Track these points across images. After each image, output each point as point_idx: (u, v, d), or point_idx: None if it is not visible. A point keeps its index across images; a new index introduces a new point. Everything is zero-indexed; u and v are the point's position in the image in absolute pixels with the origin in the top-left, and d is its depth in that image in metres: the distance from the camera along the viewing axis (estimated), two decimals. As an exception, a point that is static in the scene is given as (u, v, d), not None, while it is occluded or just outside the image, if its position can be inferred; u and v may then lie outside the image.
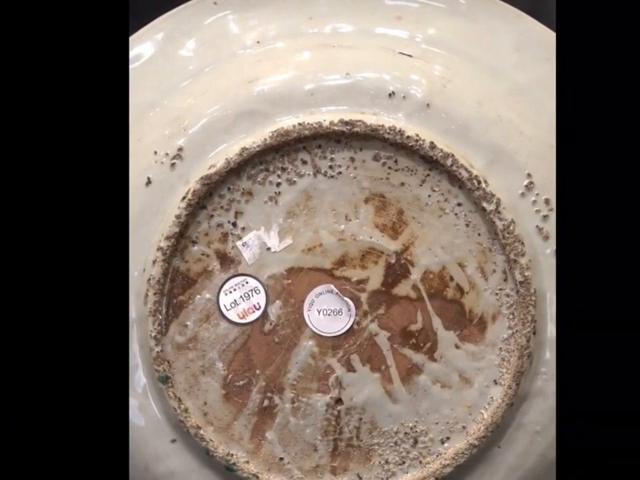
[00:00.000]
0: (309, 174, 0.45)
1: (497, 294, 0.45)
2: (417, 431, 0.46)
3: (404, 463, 0.46)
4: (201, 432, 0.45)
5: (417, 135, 0.44)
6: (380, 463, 0.46)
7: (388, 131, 0.44)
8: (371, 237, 0.45)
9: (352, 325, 0.46)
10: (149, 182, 0.45)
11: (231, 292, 0.45)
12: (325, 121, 0.44)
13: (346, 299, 0.46)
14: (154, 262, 0.45)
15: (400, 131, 0.44)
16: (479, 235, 0.45)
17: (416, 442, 0.46)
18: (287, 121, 0.45)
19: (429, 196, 0.45)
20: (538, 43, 0.48)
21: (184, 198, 0.44)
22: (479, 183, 0.44)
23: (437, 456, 0.46)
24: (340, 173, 0.45)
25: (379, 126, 0.44)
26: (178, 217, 0.44)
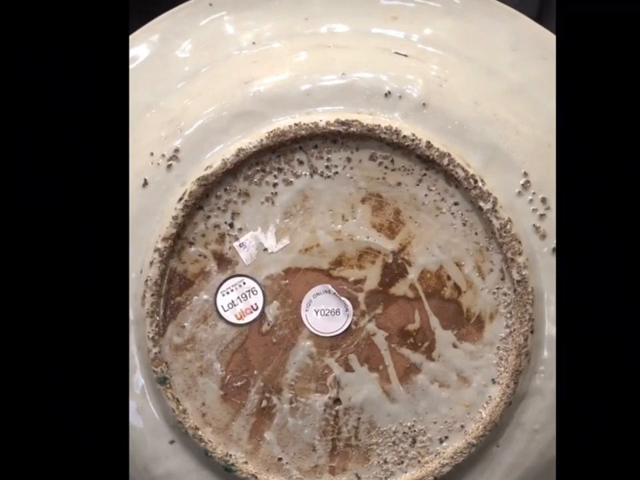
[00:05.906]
0: (305, 174, 0.45)
1: (494, 293, 0.45)
2: (415, 431, 0.46)
3: (402, 462, 0.46)
4: (200, 433, 0.45)
5: (413, 135, 0.44)
6: (378, 462, 0.46)
7: (384, 130, 0.44)
8: (368, 237, 0.45)
9: (350, 325, 0.46)
10: (145, 183, 0.45)
11: (228, 293, 0.45)
12: (321, 121, 0.44)
13: (343, 299, 0.46)
14: (151, 263, 0.45)
15: (396, 130, 0.44)
16: (476, 234, 0.45)
17: (414, 441, 0.46)
18: (284, 122, 0.45)
19: (426, 195, 0.45)
20: (533, 42, 0.48)
21: (181, 199, 0.44)
22: (476, 182, 0.44)
23: (436, 455, 0.46)
24: (336, 173, 0.45)
25: (375, 126, 0.44)
26: (175, 218, 0.44)
